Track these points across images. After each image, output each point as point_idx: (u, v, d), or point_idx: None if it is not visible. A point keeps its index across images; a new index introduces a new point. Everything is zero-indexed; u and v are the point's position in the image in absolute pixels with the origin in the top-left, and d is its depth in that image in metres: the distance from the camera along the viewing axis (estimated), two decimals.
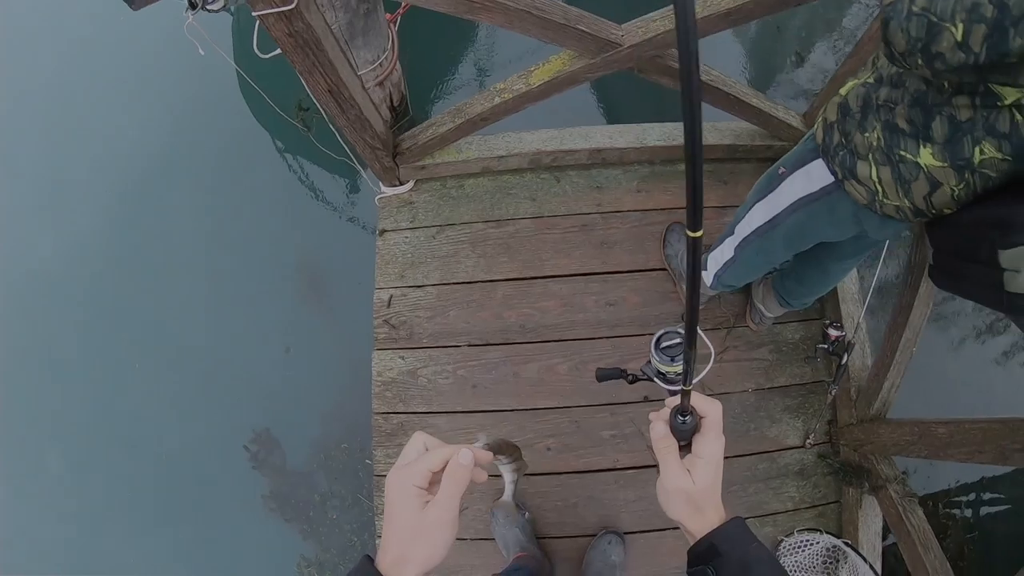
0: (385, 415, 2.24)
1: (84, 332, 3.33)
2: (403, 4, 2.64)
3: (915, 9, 0.95)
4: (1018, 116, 0.99)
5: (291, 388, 3.04)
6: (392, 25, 2.39)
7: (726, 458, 2.18)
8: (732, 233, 1.84)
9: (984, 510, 3.09)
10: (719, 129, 2.45)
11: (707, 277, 2.07)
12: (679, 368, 1.07)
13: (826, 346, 2.18)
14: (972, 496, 3.15)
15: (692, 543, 0.77)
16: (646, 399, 2.24)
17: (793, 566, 2.20)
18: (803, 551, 2.20)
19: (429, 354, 2.28)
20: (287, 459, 3.00)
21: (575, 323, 2.31)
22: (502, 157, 2.35)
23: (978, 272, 1.14)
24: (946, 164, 1.12)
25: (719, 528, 0.75)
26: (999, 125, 1.02)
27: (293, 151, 3.46)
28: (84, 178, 3.61)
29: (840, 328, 2.18)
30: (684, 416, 0.79)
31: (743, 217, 1.75)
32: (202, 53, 2.19)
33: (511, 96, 2.07)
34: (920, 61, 0.99)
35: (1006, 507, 3.08)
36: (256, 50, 1.96)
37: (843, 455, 2.26)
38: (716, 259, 1.99)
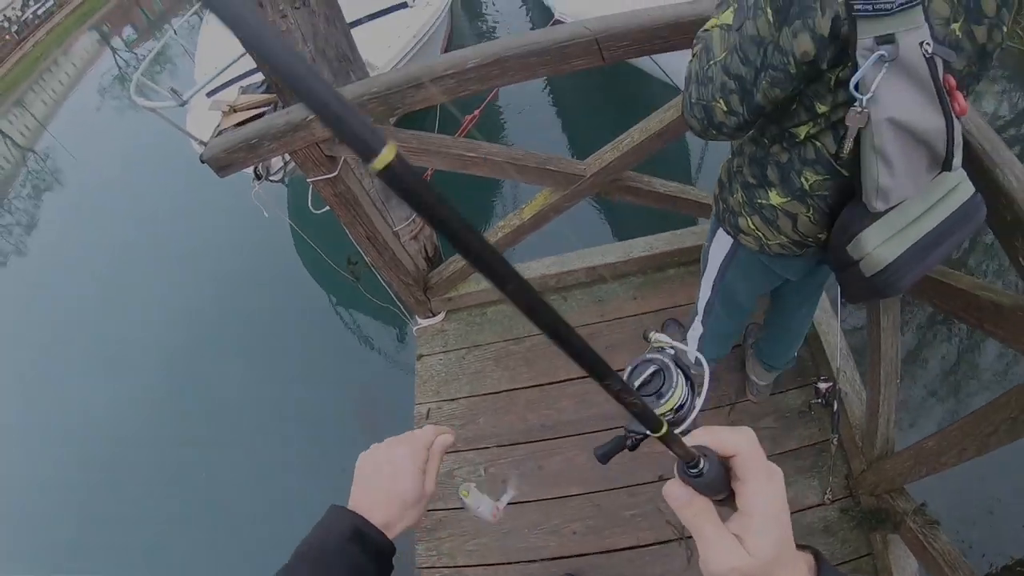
0: (426, 512, 2.51)
1: (146, 481, 3.67)
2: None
3: (692, 100, 1.32)
4: (815, 144, 1.29)
5: None
6: None
7: None
8: (697, 311, 2.15)
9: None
10: (678, 235, 2.85)
11: (692, 356, 2.34)
12: (671, 405, 0.92)
13: (819, 400, 2.34)
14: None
15: None
16: (660, 478, 2.43)
17: None
18: None
19: (463, 456, 2.56)
20: None
21: (590, 417, 2.57)
22: None
23: (853, 275, 1.37)
24: (789, 198, 1.42)
25: None
26: (807, 155, 1.32)
27: (345, 301, 3.98)
28: (150, 332, 4.14)
29: (828, 379, 2.33)
30: (694, 467, 0.55)
31: (698, 294, 2.08)
32: (266, 216, 2.79)
33: (510, 230, 2.54)
34: (713, 132, 1.34)
35: None
36: (310, 207, 2.53)
37: (863, 504, 2.33)
38: (692, 337, 2.27)
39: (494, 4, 6.68)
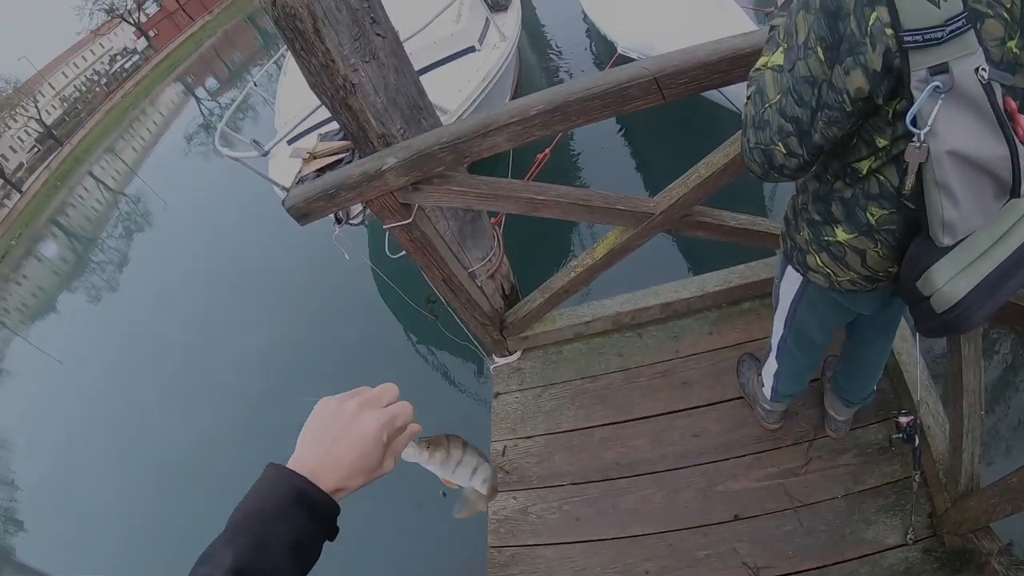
0: (499, 548, 2.53)
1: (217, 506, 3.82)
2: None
3: (751, 145, 1.34)
4: (879, 178, 1.29)
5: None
6: (497, 227, 3.00)
7: (825, 567, 2.30)
8: (771, 347, 2.15)
9: None
10: (752, 268, 2.86)
11: (768, 392, 2.34)
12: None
13: (900, 435, 2.26)
14: None
15: None
16: (736, 517, 2.43)
17: None
18: None
19: (538, 493, 2.60)
20: None
21: (665, 456, 2.58)
22: (588, 322, 2.84)
23: (925, 310, 1.36)
24: (856, 234, 1.42)
25: None
26: (871, 190, 1.33)
27: (426, 340, 4.10)
28: (236, 371, 4.32)
29: (909, 413, 2.26)
30: None
31: (772, 330, 2.09)
32: (347, 258, 2.93)
33: (583, 269, 2.60)
34: (775, 175, 1.35)
35: None
36: (387, 252, 2.66)
37: (947, 543, 2.26)
38: (767, 373, 2.28)
39: (560, 41, 6.80)
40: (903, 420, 2.26)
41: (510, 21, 5.81)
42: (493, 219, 2.97)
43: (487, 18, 5.50)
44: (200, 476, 4.04)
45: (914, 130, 1.07)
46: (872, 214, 1.36)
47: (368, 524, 3.69)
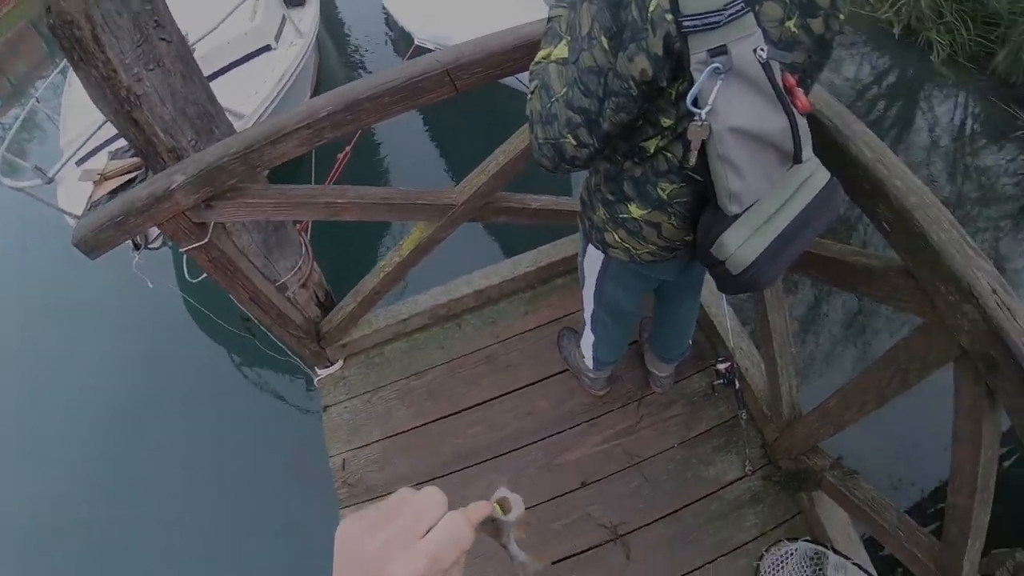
0: None
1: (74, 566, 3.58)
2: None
3: (540, 140, 1.30)
4: (666, 155, 1.30)
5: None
6: (303, 234, 2.84)
7: (675, 511, 2.33)
8: (585, 321, 2.16)
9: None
10: (559, 246, 2.90)
11: (589, 362, 2.36)
12: None
13: (721, 380, 2.38)
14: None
15: None
16: (583, 484, 2.46)
17: None
18: (784, 567, 2.25)
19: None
20: None
21: (502, 439, 2.56)
22: (406, 320, 2.76)
23: (722, 272, 1.40)
24: (649, 209, 1.43)
25: None
26: (660, 167, 1.33)
27: (248, 361, 3.92)
28: (60, 416, 4.01)
29: (726, 360, 2.37)
30: None
31: (583, 305, 2.09)
32: (151, 286, 2.70)
33: (392, 268, 2.50)
34: (566, 167, 1.33)
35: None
36: (187, 276, 2.46)
37: (783, 468, 2.40)
38: (586, 345, 2.29)
39: (361, 34, 6.59)
40: (721, 367, 2.36)
41: (308, 16, 5.55)
42: (299, 226, 2.82)
43: (283, 15, 5.23)
44: (38, 532, 3.72)
45: (695, 110, 1.07)
46: (663, 189, 1.37)
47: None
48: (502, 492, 0.62)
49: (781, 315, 2.20)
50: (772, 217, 1.31)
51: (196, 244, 2.04)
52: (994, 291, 1.28)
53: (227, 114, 2.37)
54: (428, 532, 0.55)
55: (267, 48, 4.97)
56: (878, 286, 1.61)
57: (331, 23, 6.58)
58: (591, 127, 1.20)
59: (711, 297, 2.70)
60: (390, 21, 5.77)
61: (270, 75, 4.74)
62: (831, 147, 1.52)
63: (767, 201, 1.31)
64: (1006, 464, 3.60)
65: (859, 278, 1.67)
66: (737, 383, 2.36)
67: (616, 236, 1.56)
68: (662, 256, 1.57)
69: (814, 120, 1.53)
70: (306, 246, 2.79)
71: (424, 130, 5.44)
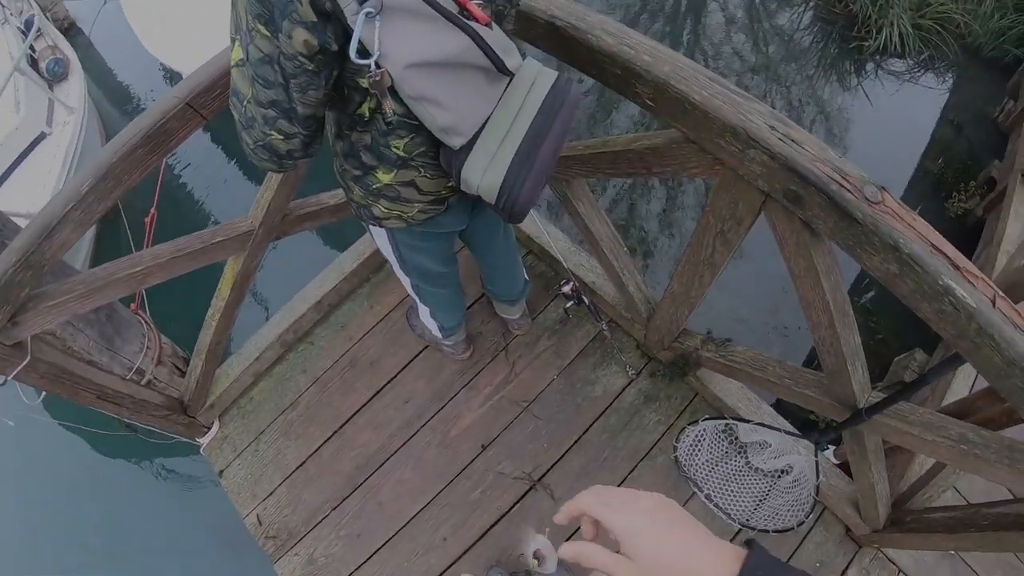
0: None
1: None
2: (135, 293, 3.03)
3: (251, 147, 1.25)
4: (382, 117, 1.26)
5: None
6: (140, 311, 2.72)
7: (579, 438, 2.38)
8: (412, 296, 2.16)
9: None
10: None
11: (438, 332, 2.37)
12: None
13: (572, 302, 2.45)
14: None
15: None
16: (483, 447, 2.49)
17: (706, 465, 2.32)
18: (700, 449, 2.34)
19: (312, 536, 2.47)
20: None
21: (392, 434, 2.57)
22: (259, 357, 2.68)
23: (488, 204, 1.38)
24: (395, 171, 1.40)
25: None
26: (381, 127, 1.30)
27: (136, 457, 3.78)
28: None
29: (568, 281, 2.44)
30: None
31: (403, 284, 2.09)
32: (11, 424, 2.54)
33: (219, 314, 2.41)
34: (290, 163, 1.28)
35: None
36: (25, 400, 2.33)
37: (663, 359, 2.49)
38: (426, 317, 2.29)
39: (139, 86, 6.24)
40: (566, 289, 2.43)
41: (74, 89, 5.21)
42: (132, 305, 2.69)
43: (48, 97, 4.91)
44: None
45: (363, 61, 1.04)
46: (396, 147, 1.34)
47: None
48: (535, 544, 0.65)
49: (601, 221, 2.25)
50: (506, 137, 1.30)
51: (19, 367, 1.92)
52: (773, 128, 1.32)
53: (21, 219, 2.23)
54: None
55: (42, 136, 4.67)
56: (667, 161, 1.65)
57: (104, 84, 6.21)
58: (289, 116, 1.16)
59: (536, 228, 2.73)
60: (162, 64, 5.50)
61: (52, 163, 4.47)
62: (575, 45, 1.52)
63: (495, 122, 1.30)
64: (868, 295, 3.86)
65: (648, 160, 1.70)
66: (586, 299, 2.41)
67: (381, 208, 1.54)
68: (435, 210, 1.55)
69: (551, 27, 1.54)
70: (146, 322, 2.67)
71: (222, 154, 5.26)
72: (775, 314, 3.72)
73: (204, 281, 4.04)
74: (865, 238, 1.23)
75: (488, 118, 1.30)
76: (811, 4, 5.35)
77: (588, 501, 0.67)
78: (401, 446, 2.55)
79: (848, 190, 1.23)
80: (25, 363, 1.90)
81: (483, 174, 1.30)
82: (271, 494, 2.59)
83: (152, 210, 3.32)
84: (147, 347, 2.60)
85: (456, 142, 1.27)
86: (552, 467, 2.44)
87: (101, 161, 1.72)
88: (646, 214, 4.29)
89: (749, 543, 0.61)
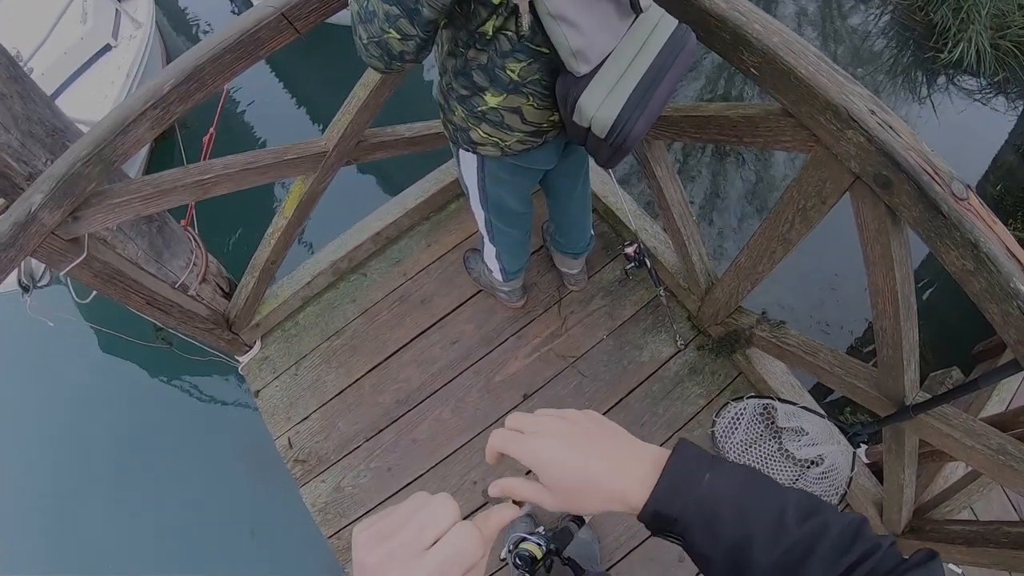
0: (336, 534, 2.41)
1: None
2: (190, 205, 3.03)
3: (364, 41, 1.24)
4: (506, 34, 1.28)
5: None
6: (190, 228, 2.72)
7: (621, 400, 2.36)
8: (482, 234, 2.13)
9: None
10: (444, 170, 2.86)
11: (498, 275, 2.35)
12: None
13: (632, 264, 2.40)
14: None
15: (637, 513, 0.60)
16: (525, 396, 2.48)
17: (740, 446, 2.28)
18: (738, 428, 2.30)
19: (341, 465, 2.48)
20: None
21: (436, 374, 2.56)
22: (310, 282, 2.67)
23: (593, 141, 1.40)
24: (504, 95, 1.41)
25: (653, 492, 0.59)
26: (503, 47, 1.31)
27: (171, 373, 3.80)
28: None
29: (632, 243, 2.40)
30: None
31: (476, 218, 2.06)
32: (51, 325, 2.56)
33: (280, 232, 2.41)
34: (398, 64, 1.27)
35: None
36: (76, 299, 2.34)
37: (713, 334, 2.46)
38: (490, 258, 2.27)
39: (201, 8, 6.23)
40: (629, 250, 2.39)
41: (141, 4, 5.21)
42: (183, 221, 2.69)
43: (115, 8, 4.91)
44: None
45: None
46: (512, 70, 1.35)
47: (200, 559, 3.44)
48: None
49: (675, 186, 2.23)
50: (626, 72, 1.30)
51: (75, 262, 1.92)
52: (872, 112, 1.31)
53: (82, 126, 2.23)
54: (434, 544, 0.54)
55: (107, 48, 4.67)
56: (760, 132, 1.63)
57: (167, 6, 6.22)
58: (412, 17, 1.15)
59: (605, 187, 2.70)
60: None
61: (116, 75, 4.47)
62: (688, 5, 1.51)
63: (618, 56, 1.30)
64: (926, 295, 3.81)
65: (740, 129, 1.68)
66: (648, 262, 2.38)
67: (481, 132, 1.53)
68: (532, 142, 1.55)
69: None
70: (196, 239, 2.67)
71: (284, 90, 5.25)
72: (819, 309, 3.67)
73: (255, 209, 4.09)
74: (947, 231, 1.24)
75: (611, 51, 1.30)
76: (889, 7, 5.23)
77: (499, 435, 0.66)
78: (443, 386, 2.54)
79: (937, 183, 1.24)
80: (81, 259, 1.90)
81: (599, 106, 1.30)
82: (305, 419, 2.59)
83: (211, 129, 3.32)
84: (193, 263, 2.60)
85: (583, 69, 1.27)
86: None
87: (186, 62, 1.71)
88: (725, 194, 4.26)
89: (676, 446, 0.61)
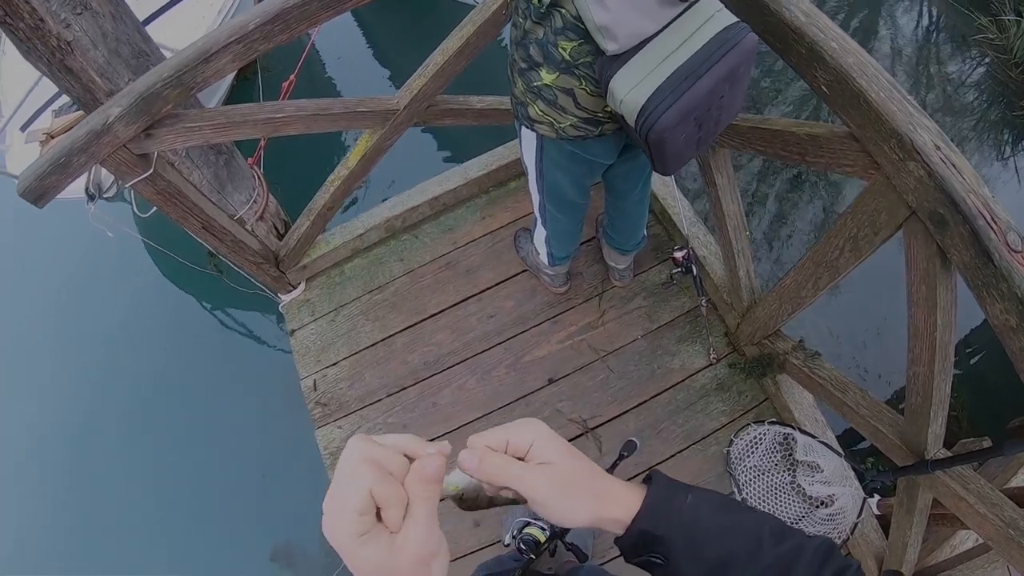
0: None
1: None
2: (259, 145, 3.10)
3: None
4: (560, 11, 1.29)
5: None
6: (256, 167, 2.79)
7: (643, 403, 2.37)
8: (536, 216, 2.15)
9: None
10: (509, 147, 2.87)
11: (545, 258, 2.37)
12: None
13: (679, 269, 2.38)
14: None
15: (618, 533, 0.63)
16: (550, 381, 2.49)
17: (753, 471, 2.23)
18: (754, 453, 2.25)
19: (360, 415, 2.54)
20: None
21: (468, 343, 2.59)
22: (362, 235, 2.73)
23: (634, 134, 1.38)
24: (557, 73, 1.42)
25: (640, 513, 0.61)
26: (556, 24, 1.33)
27: (217, 301, 3.92)
28: (43, 363, 4.03)
29: (682, 248, 2.37)
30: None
31: (532, 200, 2.08)
32: (111, 236, 2.66)
33: (340, 181, 2.47)
34: None
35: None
36: (137, 211, 2.42)
37: (747, 354, 2.44)
38: (539, 241, 2.29)
39: None
40: (678, 255, 2.37)
41: None
42: (250, 159, 2.77)
43: None
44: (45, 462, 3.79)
45: None
46: (563, 48, 1.35)
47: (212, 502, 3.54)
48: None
49: (734, 200, 2.21)
50: (665, 60, 1.28)
51: (141, 176, 2.00)
52: (937, 147, 1.29)
53: (168, 53, 2.30)
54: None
55: None
56: (823, 152, 1.62)
57: None
58: None
59: (664, 188, 2.70)
60: None
61: (209, 9, 4.57)
62: (768, 14, 1.50)
63: (660, 43, 1.28)
64: (974, 360, 3.71)
65: (805, 147, 1.67)
66: (695, 270, 2.37)
67: (537, 109, 1.55)
68: (588, 130, 1.55)
69: None
70: (259, 178, 2.75)
71: (367, 47, 5.32)
72: (862, 352, 3.60)
73: (323, 159, 4.17)
74: (994, 281, 1.21)
75: (651, 37, 1.29)
76: (985, 60, 5.08)
77: (495, 463, 0.63)
78: (473, 356, 2.57)
79: (993, 230, 1.20)
80: (147, 174, 1.98)
81: (630, 90, 1.28)
82: (334, 364, 2.65)
83: (292, 76, 3.41)
84: (254, 200, 2.68)
85: (610, 47, 1.26)
86: (609, 421, 2.43)
87: (273, 4, 1.77)
88: (775, 197, 4.22)
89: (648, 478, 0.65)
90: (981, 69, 5.08)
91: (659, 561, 0.61)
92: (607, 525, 0.62)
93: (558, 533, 1.59)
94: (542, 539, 1.58)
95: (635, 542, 0.61)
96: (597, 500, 0.61)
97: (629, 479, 0.65)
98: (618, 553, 0.65)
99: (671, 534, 0.59)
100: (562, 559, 1.66)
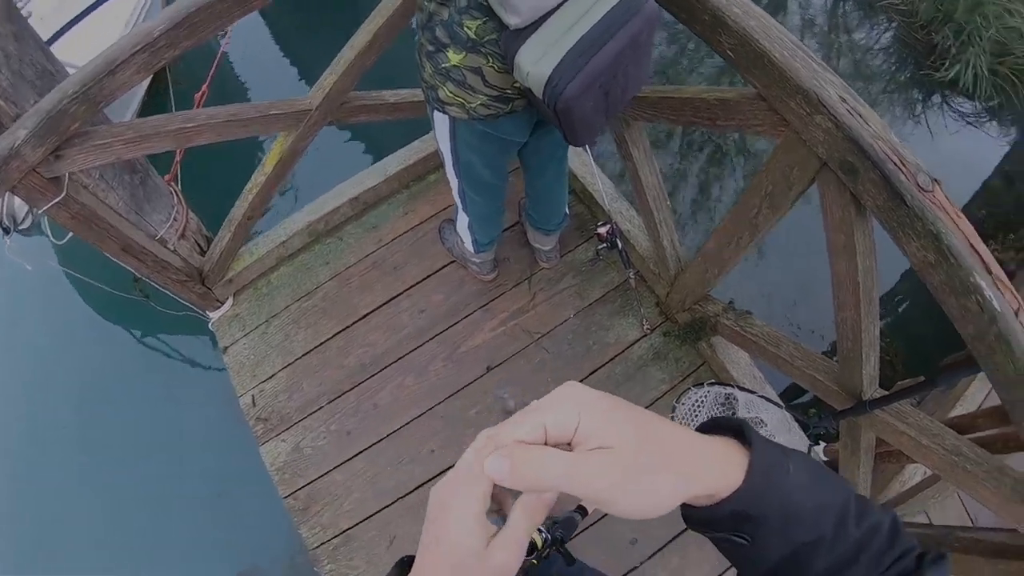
0: (292, 494, 2.42)
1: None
2: (175, 160, 3.03)
3: None
4: None
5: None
6: (173, 184, 2.72)
7: (582, 380, 2.41)
8: (456, 203, 2.15)
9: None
10: (426, 141, 2.87)
11: (470, 246, 2.36)
12: None
13: (604, 245, 2.39)
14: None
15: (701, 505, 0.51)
16: (488, 369, 2.50)
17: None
18: (699, 414, 2.31)
19: (302, 426, 2.50)
20: None
21: (402, 340, 2.57)
22: (285, 242, 2.69)
23: (542, 106, 1.40)
24: (464, 53, 1.43)
25: (743, 485, 0.49)
26: (459, 3, 1.34)
27: (146, 327, 3.82)
28: None
29: (605, 224, 2.39)
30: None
31: (451, 186, 2.08)
32: (29, 269, 2.56)
33: (258, 187, 2.43)
34: None
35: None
36: (51, 239, 2.34)
37: (680, 321, 2.48)
38: (462, 228, 2.29)
39: None
40: (602, 231, 2.38)
41: None
42: (167, 176, 2.70)
43: None
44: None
45: None
46: (468, 28, 1.36)
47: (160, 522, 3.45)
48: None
49: (652, 172, 2.24)
50: (568, 31, 1.29)
51: (53, 201, 1.93)
52: (843, 99, 1.32)
53: (74, 71, 2.24)
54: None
55: None
56: (733, 115, 1.65)
57: None
58: None
59: (584, 168, 2.72)
60: None
61: (115, 22, 4.44)
62: None
63: (563, 15, 1.30)
64: (902, 308, 3.83)
65: (715, 112, 1.70)
66: (620, 244, 2.40)
67: (447, 91, 1.55)
68: (498, 108, 1.56)
69: None
70: (178, 195, 2.68)
71: (278, 51, 5.25)
72: (792, 309, 3.70)
73: (240, 169, 4.08)
74: (909, 221, 1.25)
75: (554, 10, 1.30)
76: (892, 24, 5.25)
77: (531, 459, 0.48)
78: (408, 353, 2.56)
79: (903, 172, 1.24)
80: (59, 199, 1.92)
81: (535, 62, 1.30)
82: (271, 377, 2.61)
83: (204, 87, 3.34)
84: (174, 219, 2.61)
85: (513, 21, 1.27)
86: None
87: (179, 8, 1.73)
88: (690, 165, 4.29)
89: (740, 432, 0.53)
90: (889, 34, 5.25)
91: (744, 540, 0.51)
92: (692, 502, 0.51)
93: (559, 539, 1.54)
94: (539, 543, 1.53)
95: (722, 518, 0.50)
96: (683, 481, 0.48)
97: None
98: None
99: (768, 513, 0.49)
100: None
